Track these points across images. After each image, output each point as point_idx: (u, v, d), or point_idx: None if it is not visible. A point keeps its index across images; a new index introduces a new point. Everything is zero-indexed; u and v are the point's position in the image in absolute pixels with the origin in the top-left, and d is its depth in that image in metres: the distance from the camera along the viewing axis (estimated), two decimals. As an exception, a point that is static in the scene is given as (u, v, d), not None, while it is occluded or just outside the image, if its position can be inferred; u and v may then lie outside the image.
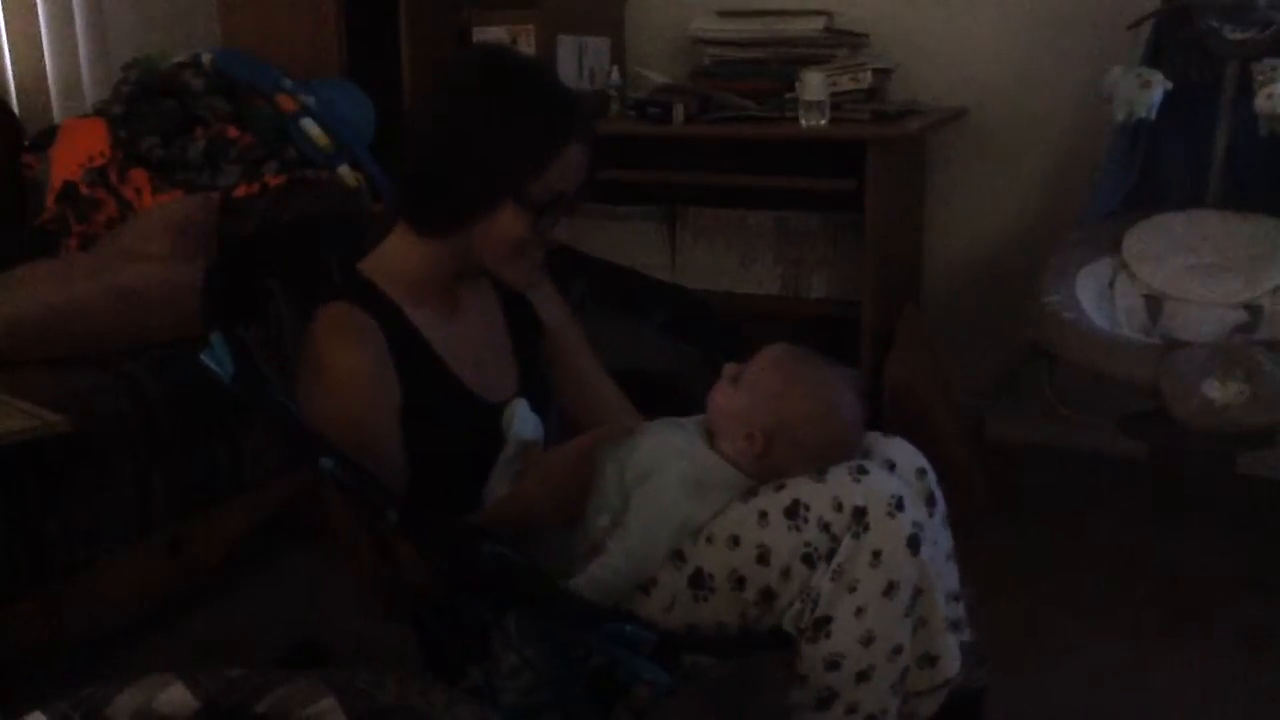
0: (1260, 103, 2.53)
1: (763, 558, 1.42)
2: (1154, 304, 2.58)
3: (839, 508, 1.41)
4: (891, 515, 1.41)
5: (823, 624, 1.41)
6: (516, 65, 1.57)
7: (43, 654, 2.06)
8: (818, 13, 3.03)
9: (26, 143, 3.03)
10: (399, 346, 1.52)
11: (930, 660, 1.49)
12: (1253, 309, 2.51)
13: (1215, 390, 2.23)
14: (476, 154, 1.47)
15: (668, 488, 1.48)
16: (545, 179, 1.48)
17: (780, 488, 1.45)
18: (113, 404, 2.21)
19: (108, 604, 2.21)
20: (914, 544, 1.41)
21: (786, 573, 1.42)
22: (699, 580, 1.46)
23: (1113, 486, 2.97)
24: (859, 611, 1.40)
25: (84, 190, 2.82)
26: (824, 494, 1.42)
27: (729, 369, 1.57)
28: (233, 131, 2.87)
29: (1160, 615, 2.38)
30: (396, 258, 1.57)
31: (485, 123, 1.47)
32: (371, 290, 1.54)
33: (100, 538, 2.19)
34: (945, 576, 1.55)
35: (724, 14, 3.14)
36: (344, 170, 2.85)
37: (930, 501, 1.56)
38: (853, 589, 1.40)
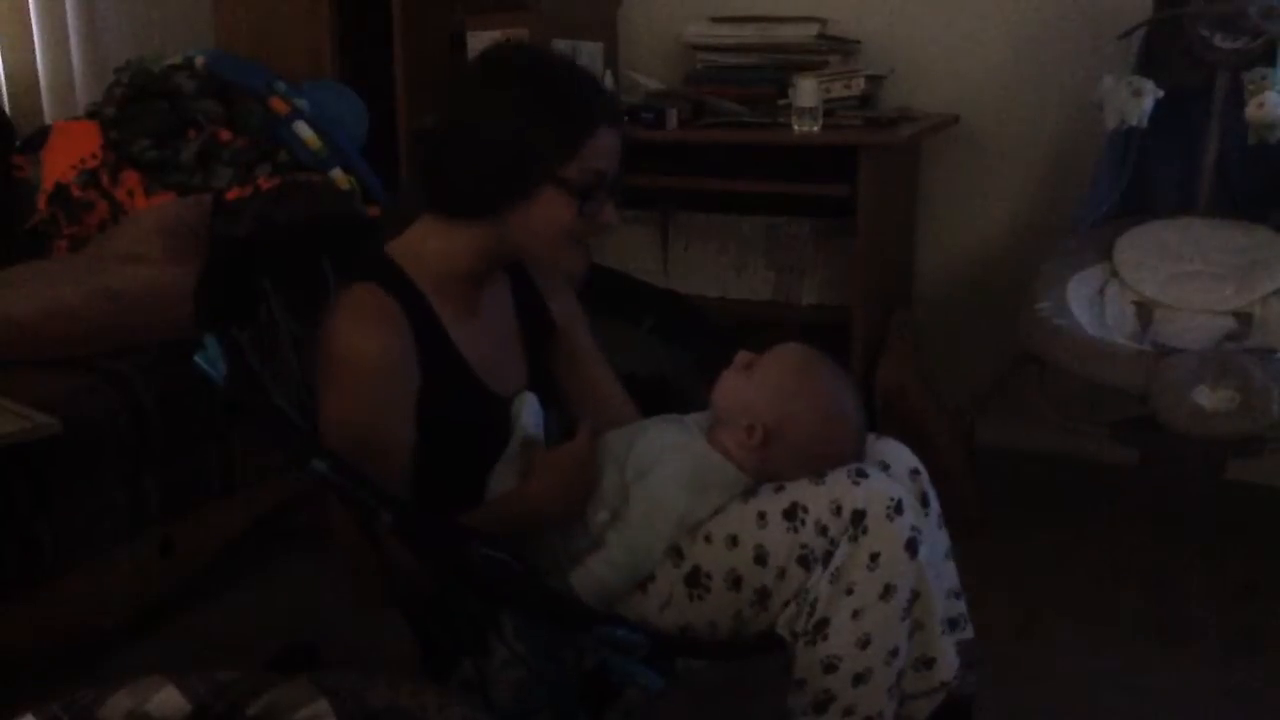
0: (1251, 111, 2.54)
1: (760, 558, 1.43)
2: (1144, 311, 2.58)
3: (837, 511, 1.41)
4: (890, 518, 1.41)
5: (820, 626, 1.42)
6: (543, 56, 1.59)
7: (34, 656, 2.05)
8: (811, 19, 3.04)
9: (18, 144, 3.02)
10: (420, 332, 1.52)
11: (927, 663, 1.50)
12: (1242, 317, 2.52)
13: (1205, 397, 2.24)
14: (509, 141, 1.48)
15: (667, 483, 1.48)
16: (580, 162, 1.49)
17: (780, 489, 1.46)
18: (104, 405, 2.20)
19: (99, 606, 2.21)
20: (912, 547, 1.42)
21: (782, 574, 1.43)
22: (696, 579, 1.46)
23: (1103, 492, 2.98)
24: (856, 614, 1.41)
25: (76, 192, 2.81)
26: (822, 496, 1.43)
27: (743, 356, 1.58)
28: (225, 134, 2.87)
29: (1151, 620, 2.38)
30: (424, 245, 1.57)
31: (517, 110, 1.48)
32: (398, 274, 1.55)
33: (91, 539, 2.18)
34: (944, 575, 1.56)
35: (717, 19, 3.14)
36: (336, 173, 2.85)
37: (924, 502, 1.57)
38: (850, 591, 1.41)
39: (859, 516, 1.41)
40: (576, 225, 1.52)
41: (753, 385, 1.54)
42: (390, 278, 1.53)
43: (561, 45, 3.07)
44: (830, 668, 1.42)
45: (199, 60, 2.95)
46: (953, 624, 1.57)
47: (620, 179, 1.55)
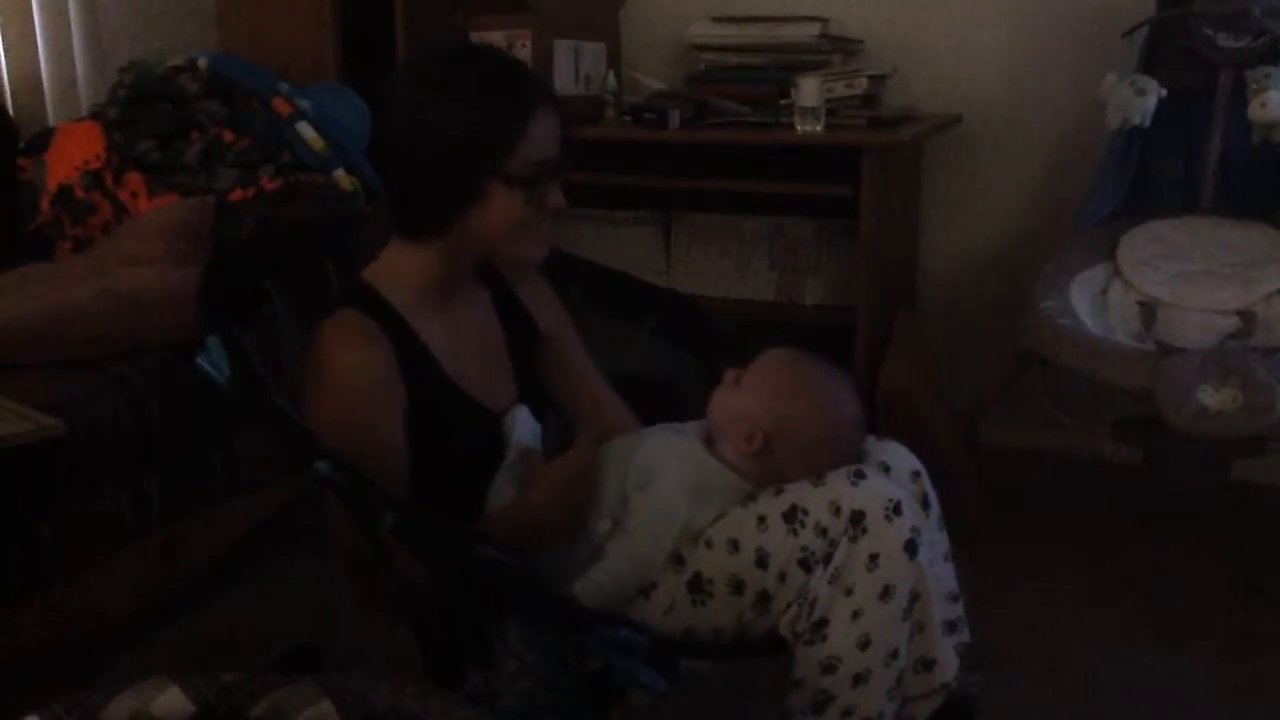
0: (1253, 110, 2.54)
1: (761, 562, 1.43)
2: (1148, 310, 2.58)
3: (836, 512, 1.41)
4: (889, 519, 1.41)
5: (819, 627, 1.42)
6: (464, 52, 1.59)
7: (38, 657, 2.06)
8: (813, 19, 3.04)
9: (21, 146, 3.02)
10: (404, 354, 1.51)
11: (927, 664, 1.50)
12: (1246, 315, 2.52)
13: (1209, 396, 2.24)
14: (447, 147, 1.47)
15: (668, 491, 1.48)
16: (521, 153, 1.48)
17: (779, 492, 1.46)
18: (107, 407, 2.21)
19: (102, 607, 2.21)
20: (911, 548, 1.42)
21: (783, 577, 1.43)
22: (698, 585, 1.46)
23: (1107, 492, 2.98)
24: (856, 615, 1.41)
25: (79, 193, 2.81)
26: (822, 498, 1.43)
27: (729, 374, 1.58)
28: (228, 135, 2.87)
29: (1154, 621, 2.38)
30: (396, 267, 1.57)
31: (448, 114, 1.47)
32: (376, 298, 1.54)
33: (95, 541, 2.18)
34: (942, 578, 1.56)
35: (720, 19, 3.14)
36: (339, 174, 2.85)
37: (925, 504, 1.57)
38: (849, 592, 1.41)
39: (858, 517, 1.41)
40: (526, 215, 1.52)
41: (745, 395, 1.54)
42: (367, 302, 1.53)
43: (564, 46, 3.07)
44: (829, 668, 1.42)
45: (202, 61, 2.95)
46: (951, 627, 1.57)
47: (564, 161, 1.54)
